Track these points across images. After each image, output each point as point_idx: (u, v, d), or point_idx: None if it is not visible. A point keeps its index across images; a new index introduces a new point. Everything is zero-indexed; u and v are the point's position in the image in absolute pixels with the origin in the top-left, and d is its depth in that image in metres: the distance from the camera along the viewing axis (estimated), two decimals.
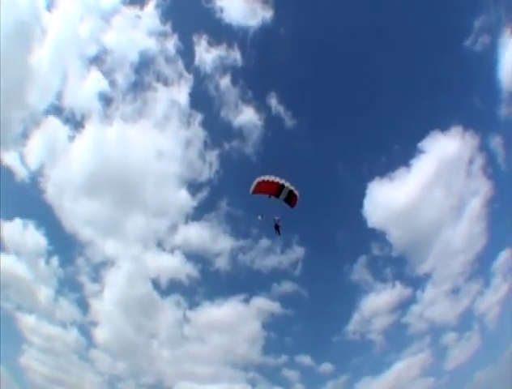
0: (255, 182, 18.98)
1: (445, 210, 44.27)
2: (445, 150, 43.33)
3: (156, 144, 46.97)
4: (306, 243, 46.86)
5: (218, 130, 50.71)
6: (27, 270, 40.16)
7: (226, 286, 47.46)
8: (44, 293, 40.70)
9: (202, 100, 50.05)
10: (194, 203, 47.29)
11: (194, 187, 47.49)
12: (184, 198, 47.11)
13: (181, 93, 47.92)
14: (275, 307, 44.62)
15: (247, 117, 47.93)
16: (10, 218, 40.13)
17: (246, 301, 45.09)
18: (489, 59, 42.73)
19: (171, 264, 45.68)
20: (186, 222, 47.47)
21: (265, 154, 47.57)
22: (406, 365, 40.45)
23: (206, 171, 47.97)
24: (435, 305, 42.49)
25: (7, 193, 39.39)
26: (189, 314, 44.55)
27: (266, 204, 19.84)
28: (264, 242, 46.45)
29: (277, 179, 18.86)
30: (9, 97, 38.39)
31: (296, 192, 19.12)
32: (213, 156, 48.56)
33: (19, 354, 38.38)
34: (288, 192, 19.12)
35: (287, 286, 45.87)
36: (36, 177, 42.03)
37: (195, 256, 46.50)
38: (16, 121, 41.15)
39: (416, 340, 42.04)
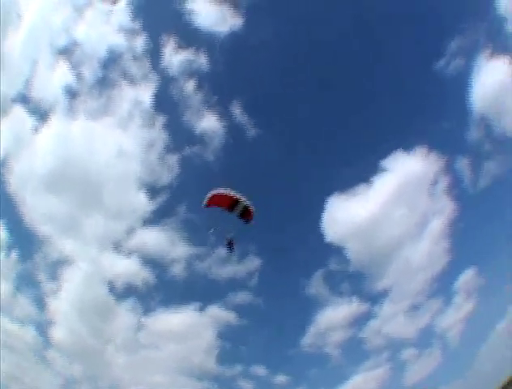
0: (209, 195, 18.00)
1: (406, 228, 44.17)
2: (407, 169, 43.25)
3: (118, 143, 45.44)
4: (263, 254, 45.61)
5: (180, 134, 48.97)
6: None
7: (182, 293, 46.18)
8: (4, 288, 39.09)
9: (166, 102, 48.16)
10: (153, 207, 45.51)
11: (152, 191, 45.86)
12: (142, 201, 45.38)
13: (145, 93, 46.12)
14: (230, 317, 43.40)
15: (210, 123, 46.54)
16: None
17: (202, 309, 43.95)
18: (462, 82, 42.83)
19: (127, 268, 44.13)
20: (144, 225, 45.75)
21: (225, 161, 46.43)
22: (363, 379, 40.16)
23: (166, 175, 46.39)
24: (393, 321, 42.26)
25: None
26: (145, 320, 43.08)
27: (223, 215, 18.94)
28: (221, 251, 44.33)
29: (232, 193, 17.88)
30: None
31: (252, 208, 18.19)
32: (174, 160, 46.78)
33: None
34: (242, 207, 18.16)
35: (243, 296, 44.63)
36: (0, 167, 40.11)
37: (151, 261, 44.95)
38: None
39: (373, 355, 41.66)
